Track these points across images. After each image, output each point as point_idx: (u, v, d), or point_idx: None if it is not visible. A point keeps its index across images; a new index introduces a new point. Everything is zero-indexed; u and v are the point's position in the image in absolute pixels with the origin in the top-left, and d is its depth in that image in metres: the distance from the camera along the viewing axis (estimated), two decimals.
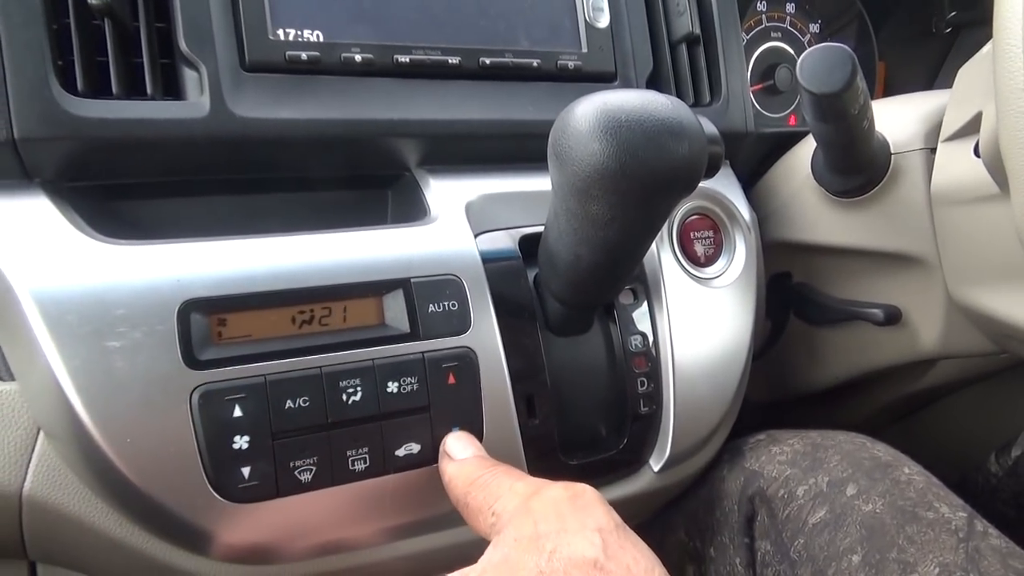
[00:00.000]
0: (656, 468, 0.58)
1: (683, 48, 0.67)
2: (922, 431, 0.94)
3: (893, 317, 0.66)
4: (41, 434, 0.45)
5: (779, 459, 0.60)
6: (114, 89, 0.48)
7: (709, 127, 0.46)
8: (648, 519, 0.67)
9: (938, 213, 0.60)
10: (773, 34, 0.87)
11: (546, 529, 0.37)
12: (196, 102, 0.49)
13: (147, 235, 0.48)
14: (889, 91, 0.93)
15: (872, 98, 0.91)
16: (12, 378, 0.45)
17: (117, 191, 0.51)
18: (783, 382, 0.83)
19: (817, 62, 0.51)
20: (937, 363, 0.73)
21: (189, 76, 0.50)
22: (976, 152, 0.56)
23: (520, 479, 0.42)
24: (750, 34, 0.85)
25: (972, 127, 0.57)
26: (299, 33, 0.52)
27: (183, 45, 0.49)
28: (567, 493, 0.39)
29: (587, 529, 0.36)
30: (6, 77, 0.44)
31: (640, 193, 0.42)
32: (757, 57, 0.85)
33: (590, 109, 0.41)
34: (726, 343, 0.61)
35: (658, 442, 0.58)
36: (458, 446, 0.47)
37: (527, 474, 0.43)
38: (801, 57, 0.52)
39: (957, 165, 0.58)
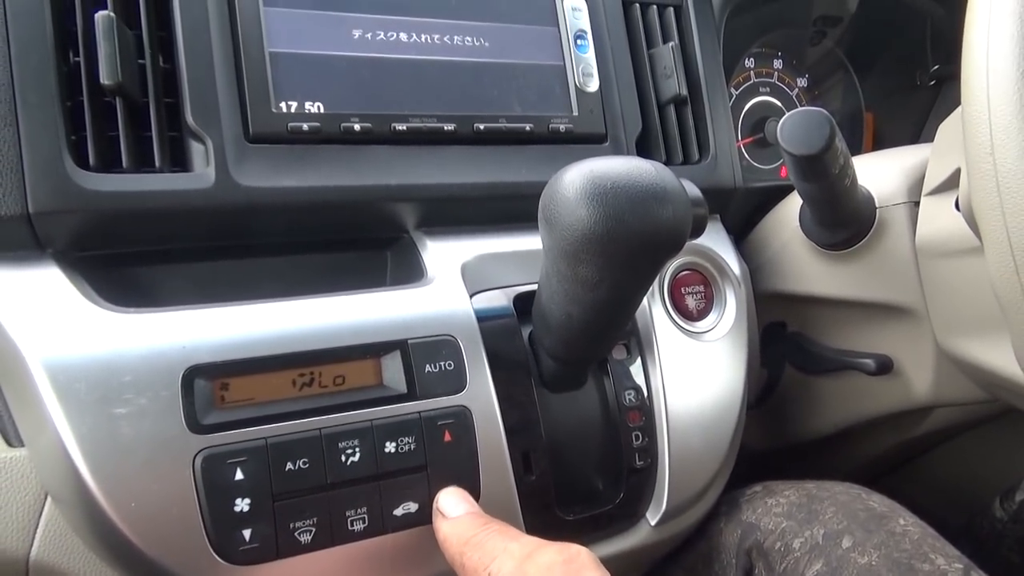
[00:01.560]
0: (653, 522, 0.59)
1: (671, 108, 0.69)
2: (926, 475, 0.94)
3: (885, 367, 0.67)
4: (48, 499, 0.46)
5: (775, 511, 0.60)
6: (124, 163, 0.50)
7: (692, 190, 0.48)
8: (646, 573, 0.67)
9: (924, 265, 0.62)
10: (762, 89, 0.89)
11: None
12: (202, 173, 0.51)
13: (153, 300, 0.50)
14: (878, 141, 0.96)
15: (861, 148, 0.95)
16: (22, 444, 0.47)
17: (125, 258, 0.53)
18: (782, 430, 0.84)
19: (796, 125, 0.54)
20: (934, 410, 0.73)
21: (196, 148, 0.52)
22: (957, 206, 0.57)
23: (515, 539, 0.42)
24: (739, 90, 0.88)
25: (953, 181, 0.59)
26: (300, 105, 0.55)
27: (190, 119, 0.51)
28: (561, 557, 0.39)
29: None
30: (22, 155, 0.46)
31: (627, 256, 0.43)
32: (747, 111, 0.88)
33: (577, 176, 0.42)
34: (719, 396, 0.62)
35: (654, 495, 0.59)
36: (451, 503, 0.48)
37: (522, 532, 0.44)
38: (780, 121, 0.54)
39: (940, 218, 0.60)
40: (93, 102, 0.50)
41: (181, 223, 0.52)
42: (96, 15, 0.49)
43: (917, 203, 0.63)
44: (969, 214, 0.52)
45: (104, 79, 0.48)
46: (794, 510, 0.60)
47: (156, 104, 0.51)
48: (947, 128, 0.61)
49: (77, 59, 0.50)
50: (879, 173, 0.65)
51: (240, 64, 0.53)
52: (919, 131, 0.93)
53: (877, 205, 0.63)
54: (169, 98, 0.52)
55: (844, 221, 0.63)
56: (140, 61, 0.52)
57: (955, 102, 0.60)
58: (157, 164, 0.51)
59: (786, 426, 0.82)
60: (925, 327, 0.64)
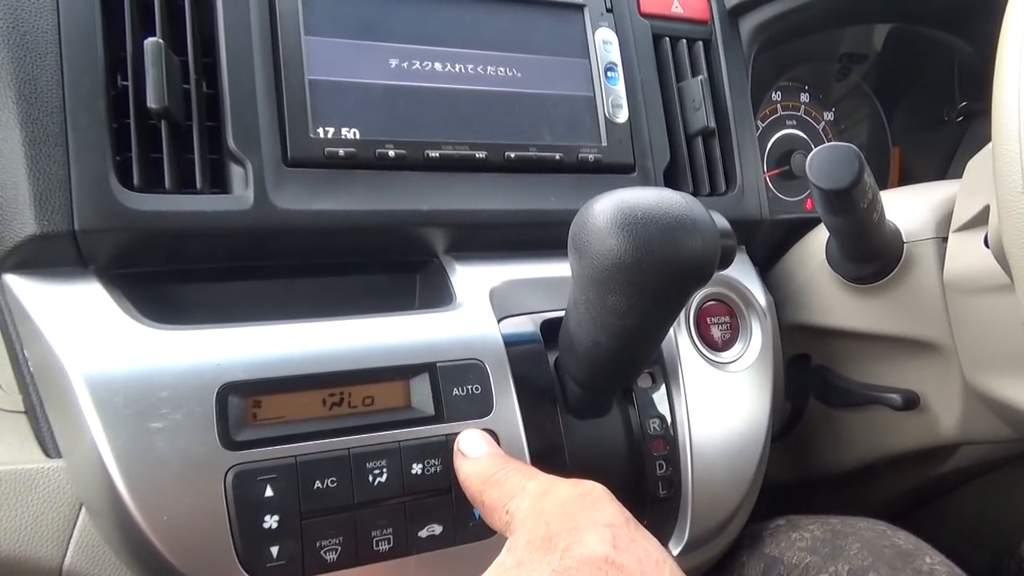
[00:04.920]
0: (675, 552, 0.58)
1: (699, 140, 0.70)
2: (952, 513, 0.92)
3: (911, 402, 0.67)
4: (83, 510, 0.47)
5: (799, 545, 0.60)
6: (167, 184, 0.52)
7: (721, 221, 0.49)
8: None
9: (952, 301, 0.62)
10: (788, 122, 0.90)
11: (557, 528, 0.37)
12: (241, 195, 0.53)
13: (188, 317, 0.51)
14: (905, 175, 0.96)
15: (888, 182, 0.95)
16: (59, 455, 0.48)
17: (164, 276, 0.55)
18: (805, 464, 0.83)
19: (825, 160, 0.54)
20: (960, 447, 0.73)
21: (236, 171, 0.54)
22: (986, 243, 0.57)
23: (532, 477, 0.43)
24: (766, 122, 0.88)
25: (981, 218, 0.59)
26: (337, 131, 0.56)
27: (231, 143, 0.53)
28: (577, 491, 0.41)
29: (597, 525, 0.37)
30: (71, 174, 0.48)
31: (656, 286, 0.44)
32: (773, 144, 0.88)
33: (607, 206, 0.43)
34: (744, 427, 0.62)
35: (676, 526, 0.59)
36: (471, 443, 0.49)
37: (537, 470, 0.45)
38: (810, 156, 0.54)
39: (968, 255, 0.60)
40: (139, 125, 0.51)
41: (219, 243, 0.53)
42: (145, 42, 0.51)
43: (945, 239, 0.63)
44: (999, 251, 0.52)
45: (151, 103, 0.50)
46: (818, 545, 0.59)
47: (199, 128, 0.53)
48: (976, 165, 0.61)
49: (125, 83, 0.52)
50: (907, 208, 0.65)
51: (280, 90, 0.55)
52: (946, 166, 0.93)
53: (905, 240, 0.64)
54: (211, 122, 0.54)
55: (871, 255, 0.63)
56: (185, 86, 0.53)
57: (983, 138, 0.60)
58: (198, 186, 0.53)
59: (810, 459, 0.82)
60: (952, 363, 0.63)
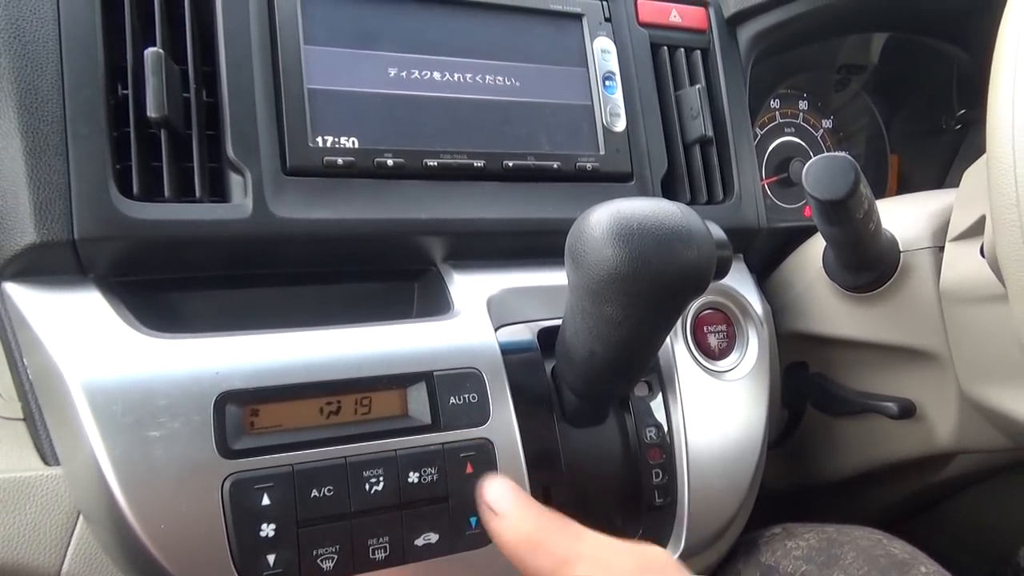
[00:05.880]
0: None
1: (697, 149, 0.71)
2: (948, 522, 0.92)
3: (907, 411, 0.67)
4: (80, 518, 0.47)
5: (795, 554, 0.60)
6: (166, 193, 0.52)
7: (717, 232, 0.49)
8: None
9: (948, 310, 0.62)
10: (787, 129, 0.90)
11: None
12: (240, 204, 0.53)
13: (189, 325, 0.51)
14: (903, 183, 0.96)
15: (886, 190, 0.95)
16: (58, 463, 0.48)
17: (163, 284, 0.55)
18: (802, 471, 0.83)
19: (821, 170, 0.54)
20: (956, 456, 0.73)
21: (235, 180, 0.54)
22: (982, 253, 0.57)
23: (582, 539, 0.39)
24: (764, 130, 0.89)
25: (978, 228, 0.59)
26: (336, 140, 0.56)
27: (231, 152, 0.53)
28: (638, 562, 0.38)
29: None
30: (71, 184, 0.48)
31: (652, 296, 0.44)
32: (771, 151, 0.89)
33: (604, 216, 0.43)
34: (740, 435, 0.62)
35: (672, 534, 0.59)
36: (500, 499, 0.43)
37: (583, 528, 0.40)
38: (806, 166, 0.55)
39: (964, 264, 0.60)
40: (139, 134, 0.52)
41: (218, 251, 0.53)
42: (146, 51, 0.51)
43: (941, 248, 0.63)
44: (994, 261, 0.52)
45: (151, 112, 0.50)
46: (814, 554, 0.59)
47: (198, 137, 0.53)
48: (972, 174, 0.61)
49: (125, 92, 0.52)
50: (904, 217, 0.65)
51: (280, 99, 0.55)
52: (945, 174, 0.93)
53: (901, 249, 0.64)
54: (211, 131, 0.54)
55: (868, 264, 0.63)
56: (184, 95, 0.53)
57: (981, 146, 0.60)
58: (197, 194, 0.53)
59: (806, 467, 0.82)
60: (949, 372, 0.64)
